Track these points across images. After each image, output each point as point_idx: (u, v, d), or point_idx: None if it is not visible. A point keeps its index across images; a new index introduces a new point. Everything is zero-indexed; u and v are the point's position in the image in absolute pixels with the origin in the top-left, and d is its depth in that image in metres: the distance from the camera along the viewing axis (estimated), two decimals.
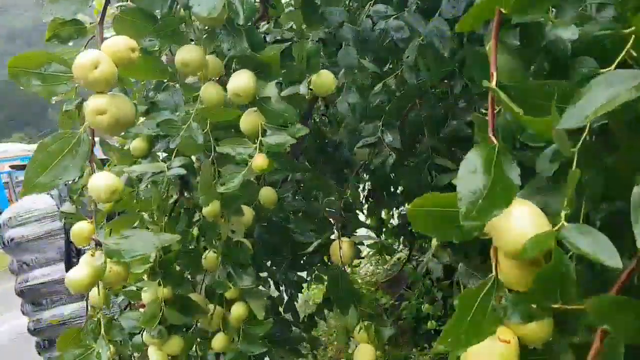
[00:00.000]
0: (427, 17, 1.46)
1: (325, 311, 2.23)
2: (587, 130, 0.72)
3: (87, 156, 1.06)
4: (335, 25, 1.49)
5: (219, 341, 1.56)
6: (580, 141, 0.71)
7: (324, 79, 1.28)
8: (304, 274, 2.17)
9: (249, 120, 1.16)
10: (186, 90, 1.66)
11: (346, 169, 1.81)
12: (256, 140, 1.12)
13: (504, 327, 0.71)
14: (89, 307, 2.04)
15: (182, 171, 1.47)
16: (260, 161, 1.09)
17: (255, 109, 1.16)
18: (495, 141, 0.71)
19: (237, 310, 1.54)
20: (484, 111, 0.80)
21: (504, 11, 0.72)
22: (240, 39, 1.06)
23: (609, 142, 0.73)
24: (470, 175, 0.67)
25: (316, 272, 2.20)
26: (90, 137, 1.07)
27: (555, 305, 0.67)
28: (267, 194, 1.62)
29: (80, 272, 1.02)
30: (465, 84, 1.60)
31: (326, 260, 2.26)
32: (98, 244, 1.06)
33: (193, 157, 1.58)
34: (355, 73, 1.47)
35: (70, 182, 1.06)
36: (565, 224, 0.66)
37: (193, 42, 1.18)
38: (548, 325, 0.71)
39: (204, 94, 1.20)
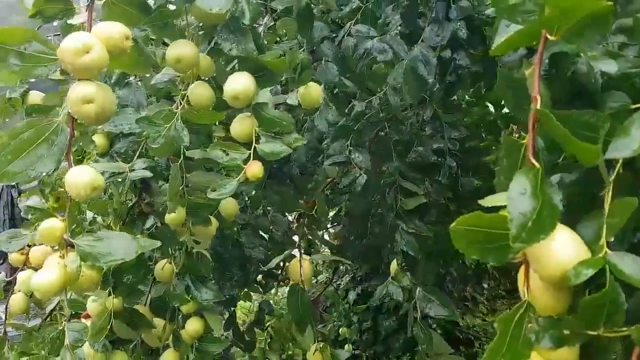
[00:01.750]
0: (408, 41, 1.48)
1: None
2: (619, 162, 0.74)
3: (65, 147, 0.96)
4: (316, 41, 1.47)
5: (169, 358, 1.46)
6: (615, 172, 0.73)
7: (313, 92, 1.25)
8: None
9: (241, 125, 1.10)
10: (150, 90, 1.57)
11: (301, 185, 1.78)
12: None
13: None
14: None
15: (148, 173, 1.38)
16: (256, 169, 1.04)
17: (248, 114, 1.11)
18: (537, 164, 0.71)
19: (194, 325, 1.45)
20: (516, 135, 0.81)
21: (552, 38, 0.73)
22: (246, 39, 1.01)
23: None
24: (521, 197, 0.67)
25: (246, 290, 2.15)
26: (69, 128, 0.98)
27: (594, 332, 0.67)
28: (228, 205, 1.56)
29: (49, 275, 0.92)
30: (434, 110, 1.63)
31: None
32: (70, 245, 0.96)
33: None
34: (335, 90, 1.46)
35: (43, 175, 0.95)
36: (609, 251, 0.67)
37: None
38: (575, 351, 0.71)
39: (193, 94, 1.13)
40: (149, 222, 1.59)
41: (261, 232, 2.06)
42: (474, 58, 1.45)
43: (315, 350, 1.56)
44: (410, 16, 1.47)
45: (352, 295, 4.89)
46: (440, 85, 1.50)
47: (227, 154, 1.06)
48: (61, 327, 1.07)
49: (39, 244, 1.91)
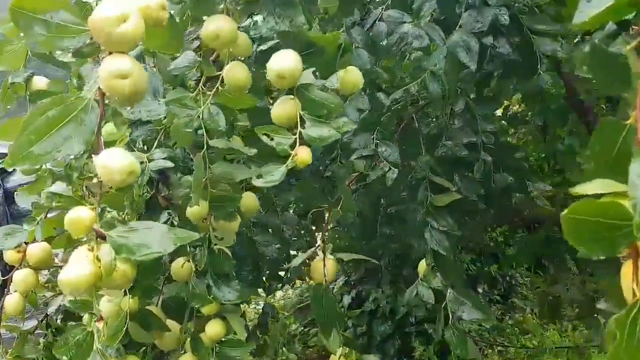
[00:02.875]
0: (443, 28, 1.40)
1: None
2: None
3: (95, 127, 0.86)
4: (347, 25, 1.39)
5: None
6: None
7: (353, 76, 1.16)
8: None
9: (284, 108, 1.01)
10: (166, 77, 1.47)
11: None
12: (295, 131, 0.97)
13: None
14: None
15: (169, 163, 1.27)
16: (305, 154, 0.94)
17: (291, 96, 1.02)
18: None
19: (215, 328, 1.35)
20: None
21: None
22: (296, 12, 0.92)
23: None
24: None
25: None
26: (100, 105, 0.88)
27: None
28: (248, 200, 1.46)
29: (80, 270, 0.81)
30: (466, 103, 1.55)
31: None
32: (101, 237, 0.86)
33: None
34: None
35: (70, 158, 0.85)
36: None
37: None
38: None
39: (230, 75, 1.03)
40: (163, 216, 1.49)
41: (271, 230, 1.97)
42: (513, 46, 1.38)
43: (340, 356, 1.47)
44: (447, 2, 1.39)
45: (346, 300, 4.81)
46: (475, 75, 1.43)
47: (272, 139, 0.96)
48: (90, 329, 0.96)
49: (37, 241, 1.80)
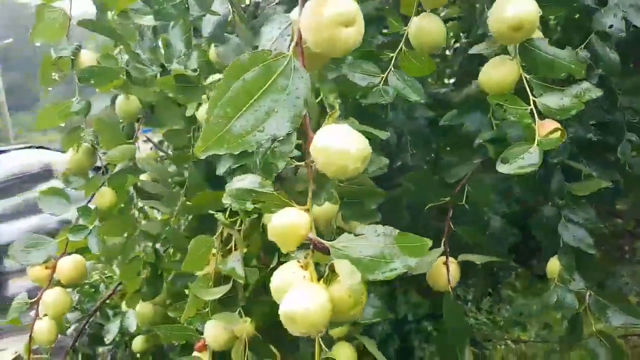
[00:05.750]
0: None
1: None
2: None
3: (306, 98, 0.60)
4: None
5: None
6: None
7: None
8: None
9: (501, 70, 0.77)
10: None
11: None
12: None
13: None
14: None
15: None
16: (549, 128, 0.71)
17: (508, 56, 0.78)
18: None
19: (345, 352, 1.09)
20: None
21: None
22: None
23: None
24: None
25: None
26: (303, 67, 0.62)
27: None
28: None
29: (316, 299, 0.55)
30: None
31: None
32: (320, 248, 0.60)
33: None
34: None
35: (274, 141, 0.59)
36: None
37: None
38: None
39: (419, 29, 0.79)
40: None
41: None
42: None
43: None
44: None
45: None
46: None
47: (505, 110, 0.72)
48: None
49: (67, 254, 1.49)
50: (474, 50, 0.96)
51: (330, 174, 0.60)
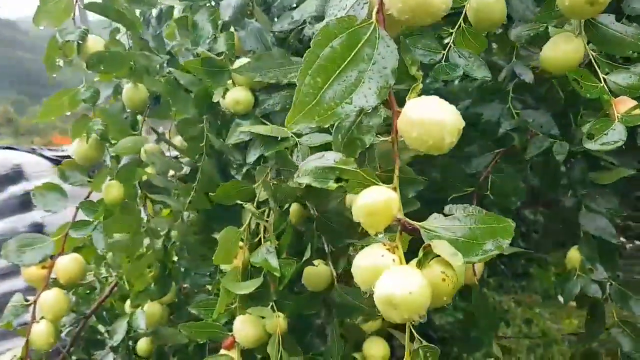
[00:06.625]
0: None
1: None
2: None
3: (394, 67, 0.55)
4: None
5: None
6: None
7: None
8: None
9: (566, 49, 0.74)
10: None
11: None
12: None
13: None
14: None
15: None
16: (632, 106, 0.68)
17: (570, 34, 0.75)
18: None
19: (378, 348, 1.05)
20: None
21: None
22: None
23: None
24: None
25: None
26: (386, 33, 0.57)
27: None
28: None
29: (417, 282, 0.51)
30: None
31: None
32: (409, 229, 0.56)
33: None
34: None
35: (359, 113, 0.54)
36: None
37: None
38: None
39: (480, 5, 0.75)
40: None
41: None
42: None
43: None
44: None
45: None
46: None
47: (581, 86, 0.69)
48: None
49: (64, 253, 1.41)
50: (514, 34, 0.94)
51: (425, 149, 0.55)
